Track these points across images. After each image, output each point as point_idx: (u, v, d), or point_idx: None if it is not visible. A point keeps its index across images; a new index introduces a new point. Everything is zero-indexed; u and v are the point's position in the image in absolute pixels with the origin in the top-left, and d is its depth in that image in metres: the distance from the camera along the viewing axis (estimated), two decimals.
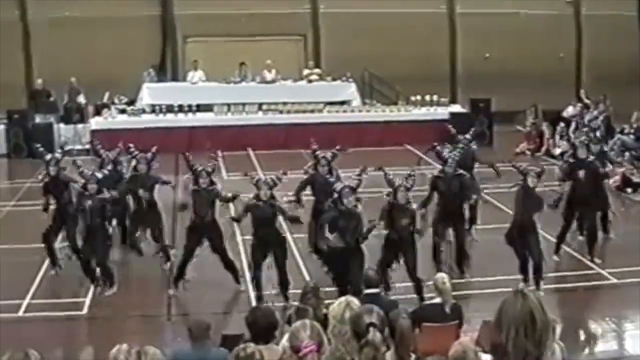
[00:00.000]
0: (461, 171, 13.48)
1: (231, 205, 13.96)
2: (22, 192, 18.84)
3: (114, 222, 14.21)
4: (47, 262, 13.60)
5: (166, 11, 27.53)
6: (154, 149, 14.50)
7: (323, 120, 24.40)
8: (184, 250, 12.69)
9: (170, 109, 24.56)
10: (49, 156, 13.89)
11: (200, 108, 24.85)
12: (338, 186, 11.90)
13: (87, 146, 22.80)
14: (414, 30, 27.38)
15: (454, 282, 9.94)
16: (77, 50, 25.48)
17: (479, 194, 14.20)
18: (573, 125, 24.47)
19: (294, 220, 12.68)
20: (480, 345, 5.47)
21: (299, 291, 9.06)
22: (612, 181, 18.52)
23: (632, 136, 22.38)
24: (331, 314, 5.34)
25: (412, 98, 25.71)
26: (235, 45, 26.74)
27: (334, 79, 26.33)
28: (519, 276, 12.29)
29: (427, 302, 8.96)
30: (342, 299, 5.50)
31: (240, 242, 14.38)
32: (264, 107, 25.10)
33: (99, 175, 13.11)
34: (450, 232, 13.39)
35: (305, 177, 14.18)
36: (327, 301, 7.72)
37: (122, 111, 24.76)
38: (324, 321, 5.63)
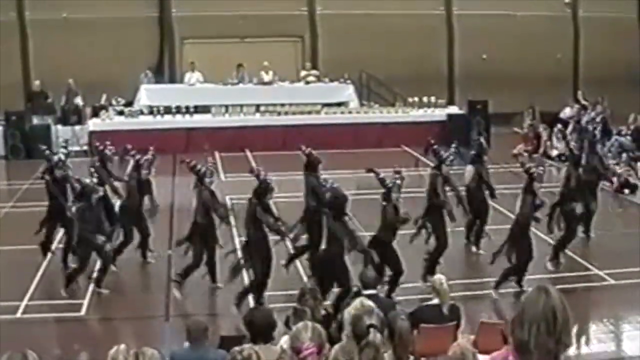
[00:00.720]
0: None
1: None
2: (20, 194, 18.83)
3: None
4: (45, 263, 13.61)
5: (164, 13, 27.53)
6: (152, 150, 14.52)
7: (321, 121, 24.41)
8: (197, 254, 12.51)
9: (167, 110, 24.56)
10: (55, 158, 13.90)
11: (197, 109, 24.83)
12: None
13: (85, 147, 22.85)
14: (411, 32, 27.39)
15: (452, 283, 9.93)
16: (75, 52, 25.46)
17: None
18: (570, 126, 24.50)
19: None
20: (477, 346, 5.49)
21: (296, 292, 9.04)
22: (610, 183, 18.59)
23: (629, 137, 22.42)
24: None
25: (410, 99, 25.72)
26: (232, 46, 26.74)
27: (331, 81, 26.33)
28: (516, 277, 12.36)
29: (425, 303, 8.95)
30: (357, 300, 5.53)
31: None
32: (262, 108, 25.10)
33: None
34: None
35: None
36: (325, 302, 7.74)
37: (120, 112, 24.74)
38: (322, 322, 5.64)
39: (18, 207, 17.73)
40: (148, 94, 25.48)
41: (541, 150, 23.68)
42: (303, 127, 23.24)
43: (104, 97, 25.06)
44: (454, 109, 26.25)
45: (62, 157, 14.12)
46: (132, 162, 14.49)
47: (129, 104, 25.30)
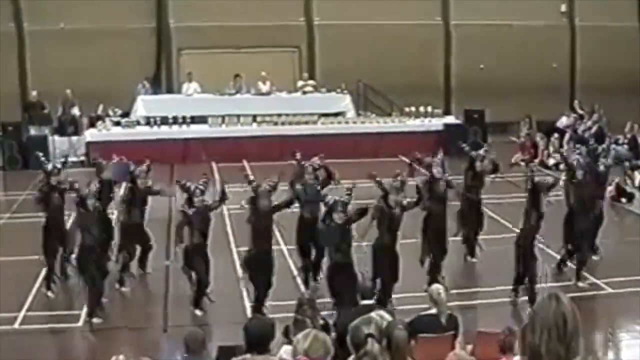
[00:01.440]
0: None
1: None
2: (17, 205, 18.80)
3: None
4: (42, 274, 13.56)
5: (161, 23, 27.54)
6: (147, 162, 14.46)
7: (318, 131, 24.40)
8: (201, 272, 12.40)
9: (164, 120, 24.55)
10: (50, 166, 13.87)
11: (194, 120, 24.83)
12: (330, 199, 11.90)
13: (82, 158, 22.84)
14: (408, 42, 27.44)
15: (449, 293, 9.95)
16: (72, 62, 25.46)
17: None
18: (567, 135, 24.54)
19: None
20: (475, 356, 5.49)
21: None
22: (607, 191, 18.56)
23: (625, 146, 22.45)
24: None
25: (407, 109, 25.74)
26: (229, 57, 26.75)
27: (328, 91, 26.37)
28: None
29: (423, 313, 8.95)
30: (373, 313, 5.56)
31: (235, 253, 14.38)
32: (259, 118, 25.10)
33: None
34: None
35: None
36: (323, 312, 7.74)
37: (117, 123, 24.71)
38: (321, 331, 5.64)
39: (15, 218, 17.71)
40: (145, 104, 25.48)
41: (538, 159, 23.70)
42: (300, 138, 23.22)
43: (100, 107, 25.04)
44: (450, 119, 26.29)
45: (58, 165, 14.09)
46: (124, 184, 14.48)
47: (126, 114, 25.28)
